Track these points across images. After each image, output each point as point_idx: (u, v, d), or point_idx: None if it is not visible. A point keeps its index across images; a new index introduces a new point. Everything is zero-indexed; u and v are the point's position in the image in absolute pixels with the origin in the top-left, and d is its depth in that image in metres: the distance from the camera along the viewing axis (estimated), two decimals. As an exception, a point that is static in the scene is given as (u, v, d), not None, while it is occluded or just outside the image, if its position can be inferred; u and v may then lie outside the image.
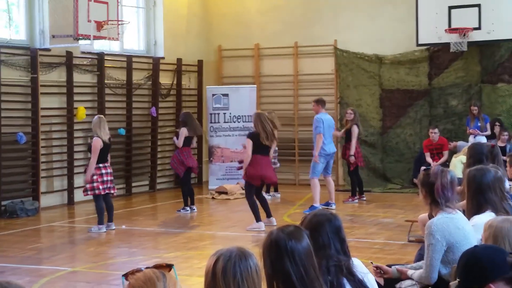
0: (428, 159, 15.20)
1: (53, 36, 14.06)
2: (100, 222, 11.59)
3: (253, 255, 3.22)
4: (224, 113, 17.10)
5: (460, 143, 15.16)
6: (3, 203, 13.32)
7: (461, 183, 6.41)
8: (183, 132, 13.38)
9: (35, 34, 14.20)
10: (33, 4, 14.18)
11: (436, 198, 5.22)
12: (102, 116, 12.19)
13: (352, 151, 14.37)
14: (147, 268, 2.96)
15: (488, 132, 15.18)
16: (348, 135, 14.56)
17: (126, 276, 2.94)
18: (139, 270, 2.93)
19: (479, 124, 15.32)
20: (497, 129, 15.14)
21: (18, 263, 9.43)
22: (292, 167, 17.67)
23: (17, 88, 13.80)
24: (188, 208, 13.53)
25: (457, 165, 12.80)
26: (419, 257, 6.27)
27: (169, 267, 2.99)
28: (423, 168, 5.66)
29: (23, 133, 13.65)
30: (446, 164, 13.69)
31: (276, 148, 14.97)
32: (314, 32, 17.66)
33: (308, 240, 3.62)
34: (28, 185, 14.14)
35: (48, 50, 14.23)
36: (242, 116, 17.07)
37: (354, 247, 9.37)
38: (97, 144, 11.48)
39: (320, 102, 13.54)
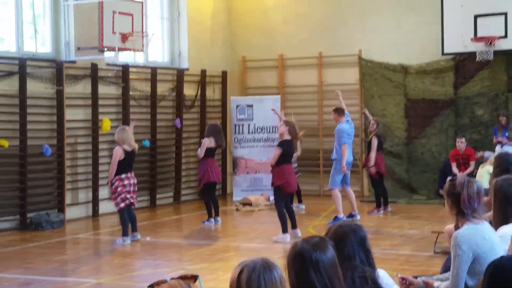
0: (455, 169, 15.07)
1: (79, 48, 14.17)
2: (125, 233, 11.61)
3: (277, 266, 3.19)
4: (249, 124, 17.11)
5: (487, 153, 15.02)
6: (29, 215, 13.38)
7: (488, 193, 6.33)
8: (205, 142, 13.40)
9: (60, 46, 14.31)
10: (59, 17, 14.29)
11: (462, 209, 5.16)
12: (125, 126, 12.22)
13: (371, 162, 14.30)
14: (172, 279, 2.95)
15: (515, 142, 15.04)
16: (370, 145, 14.50)
17: (151, 287, 2.93)
18: (164, 281, 2.93)
19: (507, 134, 15.17)
20: None
21: (43, 275, 9.45)
22: (316, 178, 17.60)
23: (42, 100, 13.90)
24: (212, 220, 13.52)
25: (484, 176, 12.68)
26: (445, 268, 6.20)
27: (194, 278, 2.99)
28: (449, 178, 5.59)
29: (48, 145, 13.73)
30: (472, 174, 13.59)
31: (295, 158, 14.93)
32: (338, 41, 17.63)
33: (333, 251, 3.59)
34: (53, 197, 14.21)
35: (73, 62, 14.33)
36: (266, 127, 17.07)
37: (379, 259, 9.27)
38: (116, 153, 11.52)
39: (339, 111, 13.47)
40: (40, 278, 9.29)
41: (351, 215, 13.29)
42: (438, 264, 8.01)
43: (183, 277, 2.99)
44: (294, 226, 11.75)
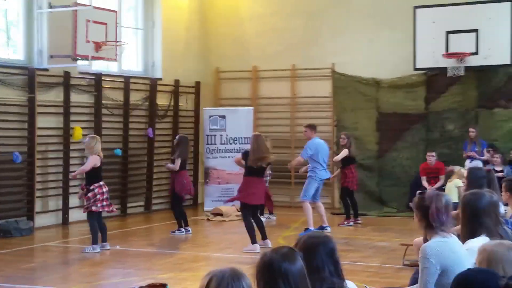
0: (424, 183, 15.19)
1: (51, 56, 14.13)
2: (95, 241, 11.56)
3: (246, 276, 3.21)
4: (221, 135, 17.12)
5: (456, 167, 15.15)
6: (-2, 222, 13.27)
7: (457, 207, 6.40)
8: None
9: (33, 53, 14.24)
10: (32, 24, 14.22)
11: (430, 222, 5.21)
12: (96, 135, 12.19)
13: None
14: (141, 287, 2.95)
15: (485, 157, 15.19)
16: (343, 160, 14.56)
17: (119, 295, 2.94)
18: (132, 289, 2.94)
19: (476, 148, 15.34)
20: (488, 154, 15.11)
21: (12, 282, 9.36)
22: (287, 190, 17.64)
23: (14, 107, 13.81)
24: (183, 230, 13.50)
25: (452, 190, 12.84)
26: (414, 281, 6.25)
27: (163, 286, 2.99)
28: (418, 192, 5.64)
29: (19, 153, 13.63)
30: (442, 188, 13.70)
31: (270, 172, 14.97)
32: (312, 55, 17.73)
33: (302, 262, 3.61)
34: (23, 205, 14.10)
35: (46, 70, 14.25)
36: (238, 138, 17.10)
37: (348, 270, 9.32)
38: (95, 159, 11.52)
39: (311, 127, 13.58)
40: (8, 285, 9.20)
41: (321, 228, 13.33)
42: (407, 276, 8.06)
43: (151, 286, 3.00)
44: (264, 237, 11.77)
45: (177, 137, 14.00)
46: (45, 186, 14.54)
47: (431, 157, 15.32)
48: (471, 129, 15.43)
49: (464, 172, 13.88)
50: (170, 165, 13.56)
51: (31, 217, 13.85)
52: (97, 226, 11.59)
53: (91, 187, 11.55)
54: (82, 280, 9.76)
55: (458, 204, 6.35)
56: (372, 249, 11.91)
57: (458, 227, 5.93)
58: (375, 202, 16.89)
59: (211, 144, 17.15)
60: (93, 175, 11.55)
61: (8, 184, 13.83)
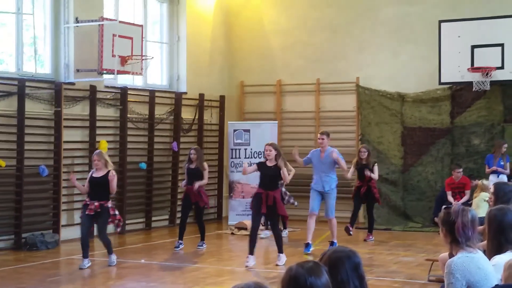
0: (450, 198, 15.10)
1: (78, 70, 14.25)
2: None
3: (269, 289, 3.20)
4: (245, 149, 17.15)
5: (479, 181, 15.01)
6: (24, 235, 13.37)
7: (483, 222, 6.35)
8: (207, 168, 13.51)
9: (60, 68, 14.37)
10: (59, 38, 14.37)
11: (456, 237, 5.17)
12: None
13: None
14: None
15: (508, 171, 15.08)
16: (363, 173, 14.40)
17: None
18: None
19: (501, 163, 15.23)
20: None
21: (37, 295, 9.43)
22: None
23: (40, 121, 13.94)
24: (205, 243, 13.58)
25: (480, 204, 12.79)
26: (439, 296, 6.20)
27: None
28: (444, 207, 5.60)
29: (45, 166, 13.75)
30: (468, 203, 13.62)
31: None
32: (336, 69, 17.74)
33: (327, 276, 3.60)
34: (48, 218, 14.21)
35: (72, 84, 14.38)
36: (262, 151, 17.02)
37: (373, 286, 9.30)
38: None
39: (329, 135, 13.35)
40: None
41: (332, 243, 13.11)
42: (432, 292, 8.02)
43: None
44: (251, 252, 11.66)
45: (195, 149, 13.70)
46: (70, 199, 14.64)
47: (458, 173, 15.23)
48: (505, 145, 15.31)
49: (488, 183, 13.86)
50: (200, 182, 13.42)
51: (56, 230, 13.95)
52: None
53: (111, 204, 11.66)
54: (107, 293, 9.81)
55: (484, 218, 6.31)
56: (397, 264, 11.84)
57: (484, 242, 5.89)
58: (400, 217, 16.81)
59: (236, 158, 17.18)
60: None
61: (34, 197, 13.94)
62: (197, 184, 13.24)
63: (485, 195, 13.56)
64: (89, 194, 11.49)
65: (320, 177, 12.93)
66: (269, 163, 11.74)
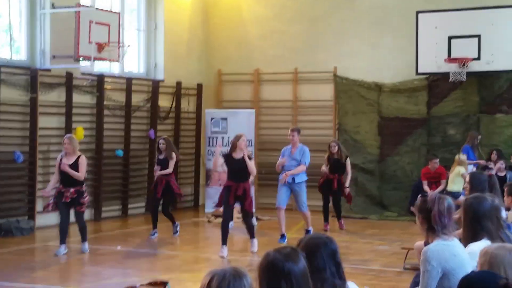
0: (426, 187, 15.19)
1: (54, 57, 14.14)
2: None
3: (247, 275, 3.21)
4: (223, 137, 17.12)
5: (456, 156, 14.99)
6: (-1, 221, 13.29)
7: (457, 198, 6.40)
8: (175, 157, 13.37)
9: (35, 54, 14.25)
10: (35, 24, 14.24)
11: (432, 225, 5.21)
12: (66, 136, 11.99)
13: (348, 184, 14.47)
14: (142, 285, 2.95)
15: (485, 162, 15.22)
16: (337, 166, 14.42)
17: (121, 292, 2.94)
18: (133, 287, 2.93)
19: (476, 154, 15.36)
20: (494, 157, 15.12)
21: (12, 281, 9.38)
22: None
23: (16, 107, 13.82)
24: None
25: (455, 179, 13.10)
26: (415, 284, 6.25)
27: (164, 284, 3.00)
28: (421, 195, 5.64)
29: (20, 152, 13.65)
30: (443, 193, 13.70)
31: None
32: (314, 58, 17.75)
33: (305, 262, 3.61)
34: (24, 204, 14.11)
35: (48, 70, 14.26)
36: (240, 140, 17.04)
37: (349, 274, 9.30)
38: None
39: (299, 131, 13.30)
40: (9, 284, 9.21)
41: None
42: (408, 280, 8.06)
43: (152, 284, 3.01)
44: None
45: (165, 139, 13.53)
46: (46, 186, 14.48)
47: (434, 164, 15.32)
48: (479, 136, 15.44)
49: (464, 157, 14.07)
50: (162, 172, 13.32)
51: (32, 217, 13.87)
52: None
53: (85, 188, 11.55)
54: (83, 279, 9.78)
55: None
56: (372, 252, 11.91)
57: (460, 231, 5.94)
58: (376, 206, 16.90)
59: (213, 146, 17.16)
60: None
61: (10, 183, 13.84)
62: (158, 172, 13.16)
63: (461, 170, 13.76)
64: (62, 181, 11.35)
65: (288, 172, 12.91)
66: (236, 156, 11.60)
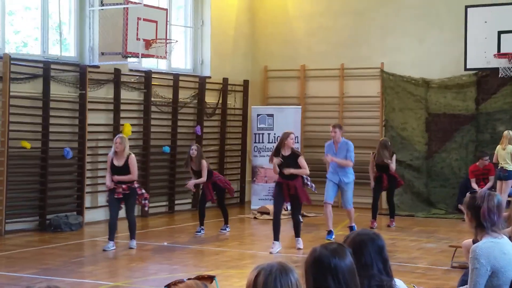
0: (474, 185, 15.00)
1: (102, 54, 14.29)
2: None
3: (294, 270, 3.20)
4: (269, 134, 17.12)
5: (505, 132, 14.77)
6: (48, 217, 13.49)
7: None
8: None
9: (84, 51, 14.43)
10: (84, 22, 14.42)
11: (481, 222, 5.14)
12: (118, 135, 12.12)
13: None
14: (189, 279, 2.96)
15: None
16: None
17: (168, 286, 2.95)
18: (181, 281, 2.95)
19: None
20: None
21: (61, 276, 9.51)
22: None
23: (65, 103, 14.01)
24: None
25: (507, 157, 13.01)
26: (463, 283, 6.17)
27: (211, 278, 3.00)
28: (470, 191, 5.55)
29: (69, 148, 13.83)
30: (492, 189, 13.52)
31: None
32: (360, 54, 17.64)
33: (352, 258, 3.59)
34: (73, 200, 14.31)
35: (97, 67, 14.43)
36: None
37: (396, 271, 9.23)
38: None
39: (342, 127, 13.27)
40: (58, 279, 9.34)
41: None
42: (455, 278, 7.98)
43: (200, 278, 3.01)
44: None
45: (197, 146, 13.48)
46: (94, 182, 14.73)
47: (485, 161, 15.12)
48: None
49: None
50: (195, 181, 13.33)
51: (80, 212, 14.06)
52: None
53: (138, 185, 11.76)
54: (130, 275, 9.88)
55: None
56: (419, 250, 11.80)
57: (510, 228, 5.85)
58: (423, 203, 16.73)
59: (259, 142, 17.17)
60: None
61: (59, 179, 14.04)
62: (190, 183, 13.33)
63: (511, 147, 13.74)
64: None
65: (335, 169, 12.85)
66: (284, 153, 11.58)
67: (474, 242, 5.37)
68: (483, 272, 5.02)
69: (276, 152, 11.61)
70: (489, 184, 14.79)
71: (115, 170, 11.49)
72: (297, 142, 16.39)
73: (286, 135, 11.64)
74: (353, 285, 3.54)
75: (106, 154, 14.64)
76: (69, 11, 14.48)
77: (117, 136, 11.92)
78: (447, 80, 16.78)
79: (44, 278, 9.26)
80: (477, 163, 15.24)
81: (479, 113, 16.54)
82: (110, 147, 14.59)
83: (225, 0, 18.04)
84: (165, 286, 2.98)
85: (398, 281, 4.21)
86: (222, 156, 17.80)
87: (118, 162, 11.47)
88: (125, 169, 11.44)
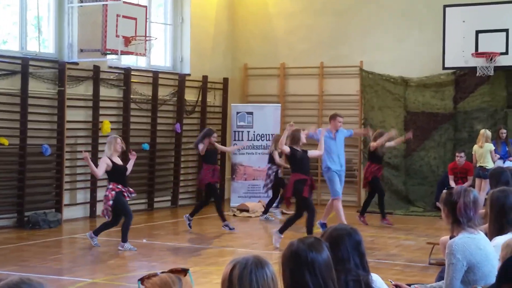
0: (452, 182, 15.06)
1: (81, 50, 14.23)
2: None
3: (269, 263, 3.21)
4: (248, 131, 17.15)
5: (482, 130, 14.95)
6: (26, 214, 13.42)
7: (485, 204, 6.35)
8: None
9: (63, 47, 14.36)
10: (62, 18, 14.35)
11: (458, 217, 5.18)
12: (113, 136, 11.83)
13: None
14: (162, 272, 2.97)
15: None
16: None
17: (142, 280, 2.96)
18: (155, 275, 2.95)
19: (507, 149, 15.18)
20: None
21: (39, 273, 9.46)
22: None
23: (44, 100, 13.95)
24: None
25: (486, 155, 13.19)
26: (440, 279, 6.21)
27: (185, 271, 3.00)
28: (446, 187, 5.59)
29: (48, 145, 13.77)
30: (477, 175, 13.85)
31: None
32: (340, 52, 17.69)
33: (328, 252, 3.61)
34: (51, 197, 14.25)
35: (76, 63, 14.37)
36: (266, 134, 17.11)
37: (374, 268, 9.28)
38: (103, 161, 11.38)
39: None
40: (36, 275, 9.25)
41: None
42: (433, 275, 8.05)
43: (173, 271, 3.01)
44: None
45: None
46: (73, 179, 14.67)
47: (460, 158, 15.21)
48: (502, 130, 15.26)
49: (489, 133, 14.17)
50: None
51: (59, 209, 14.00)
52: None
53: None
54: (108, 272, 9.85)
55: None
56: (397, 247, 11.87)
57: (486, 225, 5.90)
58: (402, 201, 16.82)
59: (239, 140, 17.19)
60: None
61: (37, 176, 13.97)
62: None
63: (490, 146, 13.89)
64: (119, 181, 11.31)
65: (339, 158, 12.99)
66: (299, 149, 11.60)
67: (451, 237, 5.42)
68: (459, 267, 5.06)
69: (293, 149, 11.52)
70: (467, 184, 14.86)
71: (123, 170, 11.38)
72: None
73: (298, 131, 11.67)
74: (330, 279, 3.56)
75: (85, 151, 14.57)
76: (48, 7, 14.41)
77: (114, 136, 11.72)
78: (426, 79, 16.87)
79: (22, 275, 9.19)
80: (456, 160, 15.32)
81: (457, 111, 16.66)
82: (89, 144, 14.64)
83: (205, -2, 18.04)
84: (138, 280, 2.98)
85: (375, 276, 4.24)
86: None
87: (119, 162, 11.42)
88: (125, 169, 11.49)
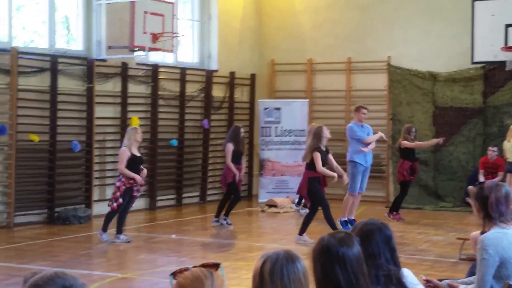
0: (481, 177, 14.95)
1: (110, 47, 14.31)
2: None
3: (300, 258, 3.20)
4: (276, 127, 17.14)
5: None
6: (57, 209, 13.54)
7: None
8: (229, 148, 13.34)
9: (92, 44, 14.46)
10: (91, 16, 14.44)
11: (489, 212, 5.13)
12: (133, 127, 12.00)
13: None
14: (194, 267, 2.97)
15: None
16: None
17: (174, 275, 2.95)
18: (186, 269, 2.95)
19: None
20: None
21: (69, 267, 9.53)
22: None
23: (73, 97, 14.05)
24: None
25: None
26: (470, 274, 6.16)
27: (216, 266, 3.00)
28: (477, 182, 5.55)
29: (77, 142, 13.87)
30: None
31: None
32: (367, 47, 17.61)
33: (359, 247, 3.60)
34: (81, 193, 14.35)
35: (104, 60, 14.46)
36: (293, 130, 17.09)
37: (403, 263, 9.22)
38: (124, 154, 11.45)
39: None
40: (66, 270, 9.33)
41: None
42: (463, 270, 7.98)
43: (205, 265, 3.01)
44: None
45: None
46: (102, 175, 14.77)
47: (492, 152, 15.08)
48: None
49: None
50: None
51: (88, 205, 14.10)
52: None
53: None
54: (138, 267, 9.92)
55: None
56: (427, 243, 11.81)
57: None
58: (431, 196, 16.72)
59: (266, 136, 17.19)
60: None
61: (67, 172, 14.09)
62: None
63: None
64: (133, 170, 11.39)
65: (367, 153, 13.16)
66: (323, 147, 11.61)
67: (482, 233, 5.37)
68: (491, 262, 5.02)
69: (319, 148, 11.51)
70: (497, 179, 14.73)
71: (138, 161, 11.48)
72: (304, 136, 16.41)
73: (321, 129, 11.72)
74: (361, 274, 3.55)
75: (114, 147, 14.74)
76: (76, 5, 14.50)
77: (134, 127, 11.87)
78: (454, 74, 16.74)
79: (56, 270, 9.28)
80: (488, 155, 15.18)
81: (487, 106, 16.51)
82: (118, 140, 14.71)
83: (232, -6, 18.06)
84: (170, 274, 2.99)
85: (406, 271, 4.22)
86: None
87: (137, 153, 11.52)
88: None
